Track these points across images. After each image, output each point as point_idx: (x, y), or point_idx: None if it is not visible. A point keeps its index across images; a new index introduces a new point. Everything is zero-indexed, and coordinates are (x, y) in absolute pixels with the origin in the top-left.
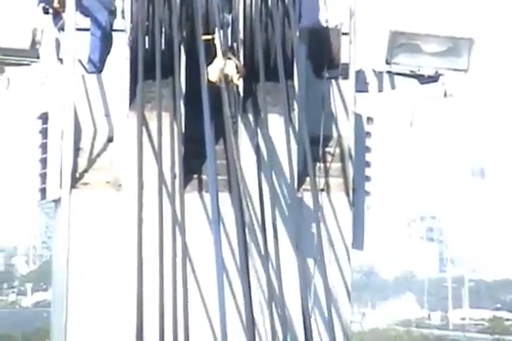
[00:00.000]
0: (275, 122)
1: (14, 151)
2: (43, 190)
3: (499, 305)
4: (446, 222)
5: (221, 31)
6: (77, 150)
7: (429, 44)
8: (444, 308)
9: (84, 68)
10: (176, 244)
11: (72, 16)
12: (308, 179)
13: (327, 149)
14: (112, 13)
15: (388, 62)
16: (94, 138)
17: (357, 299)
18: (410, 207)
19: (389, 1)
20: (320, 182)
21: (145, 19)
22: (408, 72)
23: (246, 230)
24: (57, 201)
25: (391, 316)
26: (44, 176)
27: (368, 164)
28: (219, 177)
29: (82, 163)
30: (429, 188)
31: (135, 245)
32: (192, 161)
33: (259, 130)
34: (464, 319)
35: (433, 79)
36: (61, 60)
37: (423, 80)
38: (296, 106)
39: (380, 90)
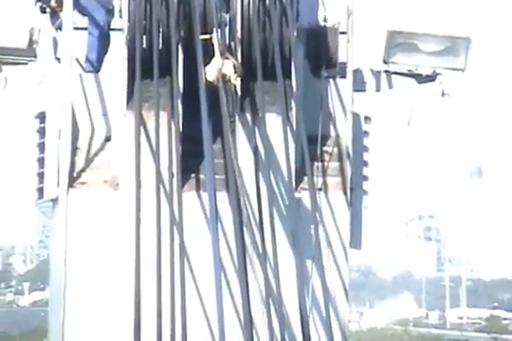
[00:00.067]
0: (273, 121)
1: (12, 150)
2: (40, 190)
3: (496, 304)
4: (443, 221)
5: (219, 31)
6: (74, 149)
7: (426, 43)
8: (441, 307)
9: (82, 67)
10: (174, 244)
11: (69, 15)
12: (306, 178)
13: (325, 148)
14: (109, 12)
15: (385, 62)
16: (91, 138)
17: (355, 299)
18: (407, 207)
19: (386, 0)
20: (318, 181)
21: (143, 18)
22: (405, 71)
23: (244, 229)
24: (54, 200)
25: (388, 316)
26: (41, 175)
27: (366, 163)
28: (217, 176)
29: (80, 162)
30: (426, 188)
31: (132, 245)
32: (190, 160)
33: (257, 129)
34: (461, 318)
35: (431, 78)
36: (58, 59)
37: (420, 79)
38: (294, 105)
39: (378, 89)
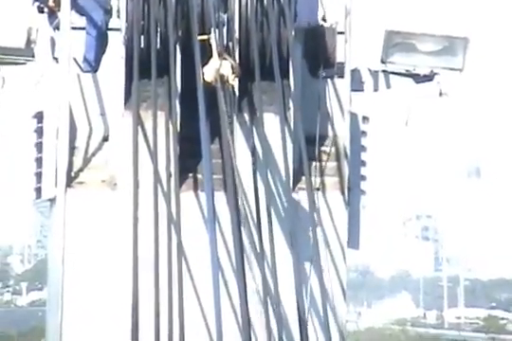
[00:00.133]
0: (270, 121)
1: (10, 150)
2: (38, 189)
3: (494, 304)
4: (441, 221)
5: (216, 31)
6: (72, 149)
7: (424, 43)
8: (439, 307)
9: (80, 67)
10: (172, 243)
11: (67, 15)
12: (304, 178)
13: (323, 148)
14: (107, 12)
15: (383, 62)
16: (89, 137)
17: (353, 298)
18: (405, 207)
19: (384, 0)
20: (316, 181)
21: (140, 18)
22: (403, 71)
23: (242, 229)
24: (52, 200)
25: (386, 315)
26: (39, 175)
27: (363, 163)
28: (214, 176)
29: (78, 162)
30: (424, 188)
31: (130, 244)
32: (188, 160)
33: (254, 129)
34: (459, 318)
35: (429, 78)
36: (56, 59)
37: (418, 79)
38: (291, 105)
39: (376, 89)
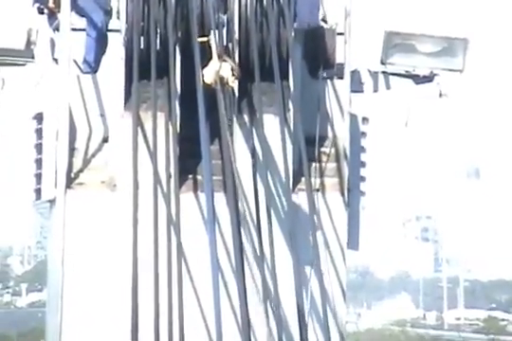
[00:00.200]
0: (270, 122)
1: (9, 151)
2: (38, 191)
3: (494, 305)
4: (441, 222)
5: (216, 33)
6: (72, 150)
7: (424, 44)
8: (439, 308)
9: (79, 68)
10: (171, 244)
11: (67, 16)
12: (303, 179)
13: (322, 149)
14: (108, 13)
15: (383, 63)
16: (89, 138)
17: (353, 299)
18: (405, 207)
19: (384, 1)
20: (316, 182)
21: (140, 19)
22: (403, 72)
23: (242, 230)
24: (52, 201)
25: (386, 316)
26: (39, 176)
27: (363, 164)
28: (214, 177)
29: (77, 163)
30: (424, 189)
31: (130, 245)
32: (188, 161)
33: (254, 130)
34: (459, 319)
35: (428, 79)
36: (56, 60)
37: (418, 80)
38: (291, 106)
39: (375, 90)
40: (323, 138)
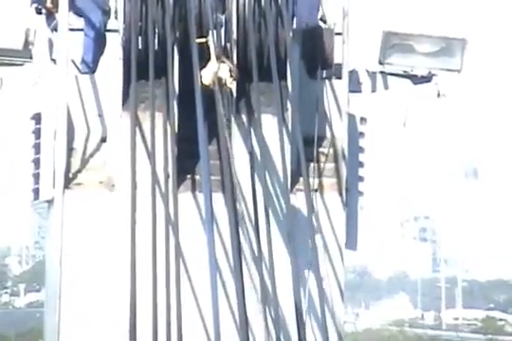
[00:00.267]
0: (268, 122)
1: (7, 151)
2: (36, 191)
3: (492, 305)
4: (439, 222)
5: (214, 34)
6: (70, 150)
7: (422, 44)
8: (437, 308)
9: (78, 69)
10: (170, 245)
11: (65, 16)
12: (301, 179)
13: (320, 149)
14: (106, 13)
15: (381, 63)
16: (87, 138)
17: (351, 299)
18: (403, 208)
19: (382, 1)
20: (314, 182)
21: (138, 19)
22: (401, 72)
23: (240, 230)
24: (50, 201)
25: (384, 316)
26: (37, 176)
27: (361, 164)
28: (212, 177)
29: (76, 163)
30: (422, 189)
31: (128, 246)
32: (186, 161)
33: (252, 130)
34: (457, 319)
35: (426, 79)
36: (54, 60)
37: (416, 80)
38: (289, 106)
39: (373, 90)
40: (321, 138)
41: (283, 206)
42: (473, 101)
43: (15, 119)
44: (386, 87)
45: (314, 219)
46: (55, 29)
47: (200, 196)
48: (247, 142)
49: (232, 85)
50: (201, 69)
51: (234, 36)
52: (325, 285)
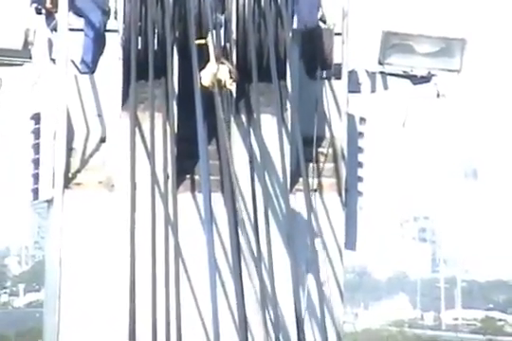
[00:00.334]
0: (268, 123)
1: (7, 151)
2: (35, 191)
3: (491, 305)
4: (438, 222)
5: (214, 36)
6: (69, 150)
7: (421, 44)
8: (436, 308)
9: (77, 69)
10: (169, 245)
11: (65, 16)
12: (301, 179)
13: (320, 149)
14: (106, 14)
15: (380, 63)
16: (86, 139)
17: (350, 300)
18: (402, 208)
19: (381, 2)
20: (313, 182)
21: (138, 19)
22: (400, 72)
23: (239, 230)
24: (49, 201)
25: (383, 317)
26: (36, 176)
27: (360, 164)
28: (212, 177)
29: (75, 163)
30: (421, 189)
31: (127, 246)
32: (185, 161)
33: (252, 130)
34: (456, 320)
35: (426, 79)
36: (53, 60)
37: (415, 80)
38: (289, 106)
39: (373, 90)
40: (321, 139)
41: (283, 206)
42: (473, 102)
43: (15, 119)
44: (385, 87)
45: (313, 219)
46: (55, 29)
47: (199, 196)
48: (247, 142)
49: (232, 87)
50: (200, 70)
51: (234, 36)
52: (324, 285)
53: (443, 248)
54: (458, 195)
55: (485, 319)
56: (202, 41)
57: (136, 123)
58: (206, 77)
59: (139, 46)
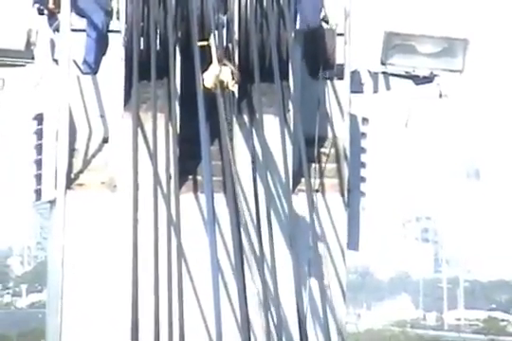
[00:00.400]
0: (270, 123)
1: (9, 152)
2: (38, 191)
3: (494, 306)
4: (441, 222)
5: (216, 35)
6: (72, 150)
7: (423, 44)
8: (439, 308)
9: (79, 69)
10: (171, 245)
11: (67, 17)
12: (303, 180)
13: (322, 149)
14: (108, 14)
15: (383, 63)
16: (89, 139)
17: (353, 300)
18: (405, 208)
19: (384, 2)
20: (316, 183)
21: (140, 20)
22: (403, 73)
23: (242, 231)
24: (52, 202)
25: (386, 317)
26: (39, 177)
27: (363, 165)
28: (214, 178)
29: (77, 164)
30: (424, 189)
31: (130, 246)
32: (188, 162)
33: (254, 130)
34: (459, 320)
35: (428, 79)
36: (56, 61)
37: (418, 80)
38: (291, 107)
39: (375, 91)
40: (323, 139)
41: (285, 206)
42: (475, 102)
43: (17, 120)
44: (388, 88)
45: (316, 219)
46: (57, 30)
47: (202, 197)
48: (249, 143)
49: (234, 88)
50: (203, 72)
51: (236, 37)
52: (327, 285)
53: (445, 248)
54: (460, 195)
55: (488, 319)
56: (204, 43)
57: (138, 124)
58: (208, 78)
59: (142, 47)
